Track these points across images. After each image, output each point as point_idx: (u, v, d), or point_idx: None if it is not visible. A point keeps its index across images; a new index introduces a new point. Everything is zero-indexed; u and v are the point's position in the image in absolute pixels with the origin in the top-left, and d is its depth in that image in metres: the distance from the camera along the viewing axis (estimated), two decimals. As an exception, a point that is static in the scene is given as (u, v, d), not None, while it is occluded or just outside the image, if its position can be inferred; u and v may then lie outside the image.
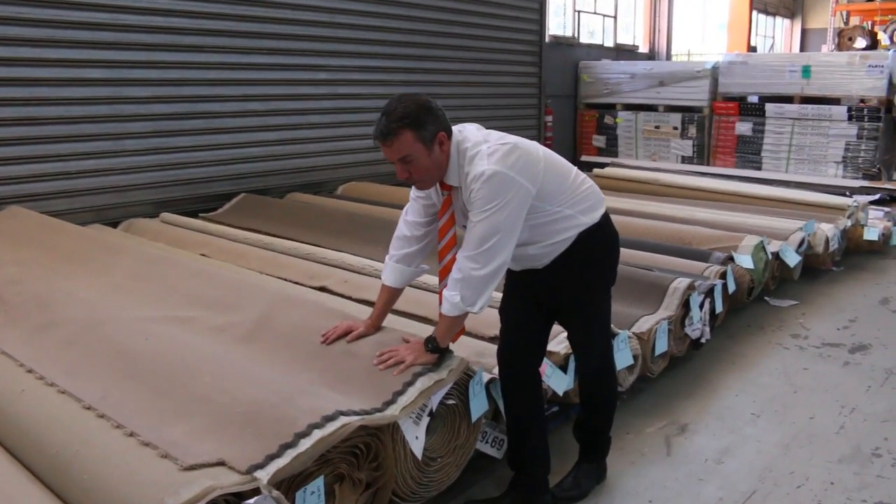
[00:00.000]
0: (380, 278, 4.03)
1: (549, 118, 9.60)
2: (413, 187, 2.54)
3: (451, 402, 2.44)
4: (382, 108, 2.27)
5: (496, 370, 2.75)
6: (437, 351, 2.42)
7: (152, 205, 5.60)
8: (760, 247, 4.86)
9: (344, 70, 6.80)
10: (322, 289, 3.85)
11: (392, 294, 2.66)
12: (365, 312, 3.54)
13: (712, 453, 3.17)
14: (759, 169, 8.99)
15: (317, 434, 1.92)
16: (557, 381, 2.84)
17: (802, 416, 3.54)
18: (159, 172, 5.62)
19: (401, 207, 5.76)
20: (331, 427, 1.96)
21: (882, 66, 8.16)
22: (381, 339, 2.51)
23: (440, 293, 2.48)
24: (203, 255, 4.45)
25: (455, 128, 2.36)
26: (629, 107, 10.06)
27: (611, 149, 10.26)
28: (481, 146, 2.28)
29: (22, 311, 2.93)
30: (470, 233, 2.27)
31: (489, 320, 3.16)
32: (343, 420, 1.99)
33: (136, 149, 5.46)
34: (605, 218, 2.53)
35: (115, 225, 5.21)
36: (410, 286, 2.91)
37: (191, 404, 2.11)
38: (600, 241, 2.52)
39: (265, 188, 6.30)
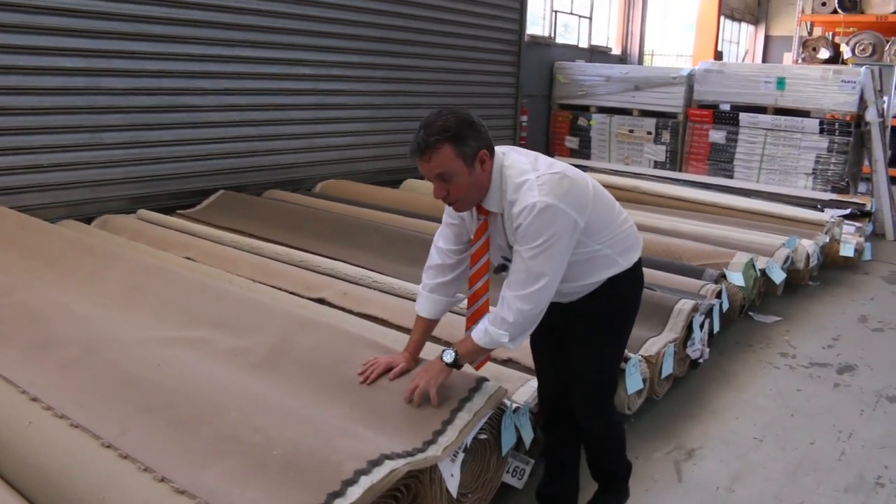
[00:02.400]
0: (379, 290, 4.04)
1: (525, 118, 9.54)
2: (446, 211, 2.43)
3: (483, 436, 2.35)
4: (421, 121, 2.13)
5: (516, 396, 2.69)
6: (454, 366, 2.31)
7: (127, 200, 5.37)
8: (750, 264, 4.88)
9: (326, 65, 6.61)
10: (320, 301, 3.72)
11: (428, 325, 2.52)
12: (367, 328, 3.47)
13: (723, 480, 3.16)
14: (731, 177, 9.06)
15: (365, 482, 1.82)
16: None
17: (803, 441, 3.56)
18: (136, 167, 5.38)
19: (382, 208, 5.82)
20: (378, 473, 1.86)
21: (854, 82, 8.29)
22: (415, 373, 2.39)
23: (469, 319, 2.38)
24: (188, 258, 4.27)
25: (498, 149, 2.21)
26: (603, 109, 10.04)
27: (584, 150, 10.25)
28: (529, 174, 2.13)
29: (13, 326, 2.73)
30: (518, 270, 2.14)
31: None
32: (390, 466, 1.89)
33: (113, 142, 5.21)
34: (639, 261, 2.43)
35: (88, 221, 4.97)
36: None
37: (220, 443, 1.98)
38: (631, 286, 2.42)
39: (243, 185, 6.10)
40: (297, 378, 2.39)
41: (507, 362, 3.15)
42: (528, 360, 2.82)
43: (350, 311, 3.60)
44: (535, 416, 2.76)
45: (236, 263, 4.16)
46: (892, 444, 3.57)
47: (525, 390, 2.82)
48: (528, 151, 2.29)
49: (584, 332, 2.39)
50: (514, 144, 9.35)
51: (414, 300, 3.81)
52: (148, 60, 5.31)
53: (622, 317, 2.44)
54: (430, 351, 2.59)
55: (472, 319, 2.37)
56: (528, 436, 2.68)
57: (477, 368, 2.50)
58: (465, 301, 2.49)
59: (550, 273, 2.11)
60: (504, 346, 2.22)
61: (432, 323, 2.52)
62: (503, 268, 2.32)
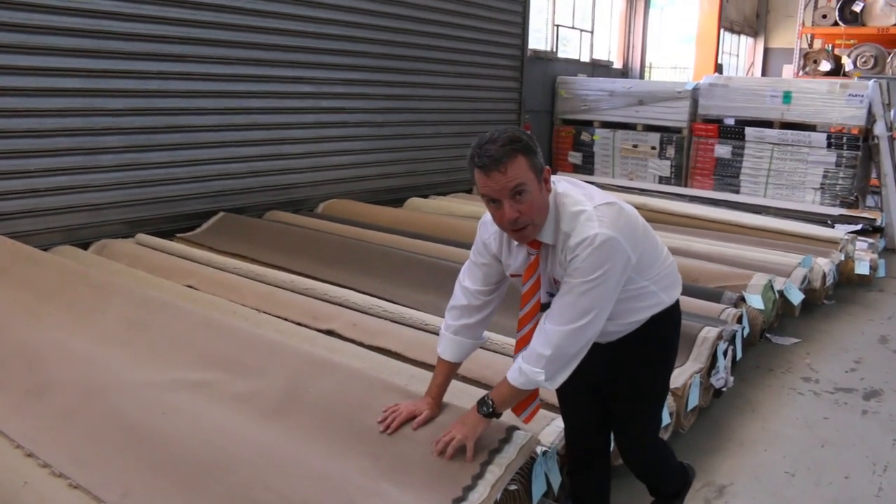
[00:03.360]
0: (390, 320, 3.88)
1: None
2: (474, 249, 2.26)
3: (513, 487, 2.18)
4: (475, 141, 1.94)
5: (542, 436, 2.53)
6: (492, 416, 2.15)
7: (125, 224, 5.20)
8: (769, 286, 4.73)
9: (328, 83, 6.47)
10: (330, 332, 3.56)
11: (451, 368, 2.35)
12: (382, 363, 3.31)
13: (758, 522, 3.00)
14: (738, 192, 8.94)
15: (393, 550, 1.65)
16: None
17: (837, 475, 3.40)
18: (134, 190, 5.22)
19: (386, 230, 5.66)
20: (407, 540, 1.69)
21: (862, 96, 8.18)
22: (440, 420, 2.23)
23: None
24: (189, 286, 4.10)
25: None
26: (607, 124, 9.91)
27: (587, 166, 10.11)
28: (585, 204, 1.97)
29: (6, 368, 2.56)
30: (565, 303, 1.97)
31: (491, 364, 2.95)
32: (419, 531, 1.73)
33: (111, 164, 5.05)
34: (678, 297, 2.29)
35: (85, 246, 4.81)
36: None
37: (232, 505, 1.81)
38: (672, 322, 2.27)
39: (244, 206, 5.94)
40: (311, 427, 2.22)
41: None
42: (549, 395, 2.66)
43: (361, 344, 3.44)
44: (562, 457, 2.61)
45: (240, 292, 3.99)
46: (930, 478, 3.41)
47: (550, 430, 2.66)
48: (576, 181, 2.15)
49: (628, 372, 2.24)
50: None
51: (426, 331, 3.73)
52: (147, 80, 5.16)
53: (665, 354, 2.30)
54: (452, 393, 2.44)
55: None
56: (556, 480, 2.51)
57: (526, 421, 2.33)
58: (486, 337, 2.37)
59: (598, 309, 1.96)
60: (541, 386, 2.05)
61: (455, 366, 2.36)
62: (548, 306, 2.15)
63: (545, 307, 2.15)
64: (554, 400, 2.70)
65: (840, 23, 12.59)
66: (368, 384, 2.45)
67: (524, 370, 2.03)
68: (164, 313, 3.06)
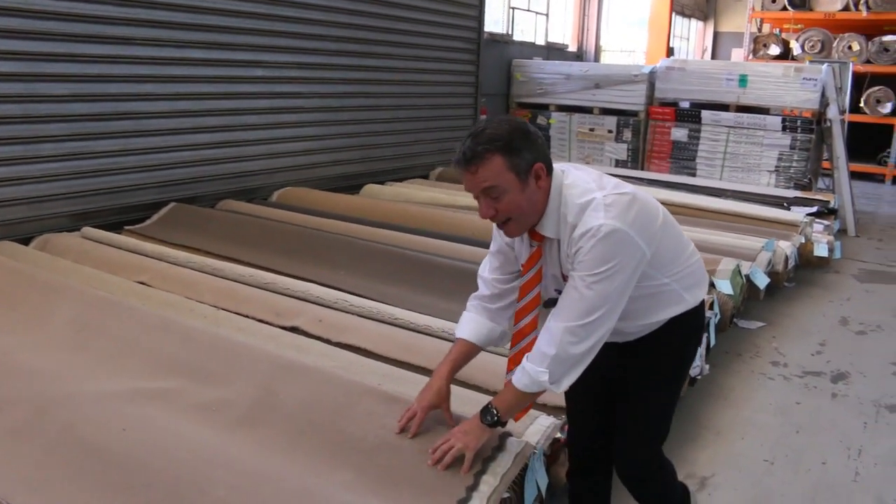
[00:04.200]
0: (357, 315, 3.71)
1: (483, 118, 9.29)
2: (493, 239, 2.14)
3: (506, 495, 2.06)
4: (469, 129, 1.85)
5: (526, 436, 2.40)
6: (496, 425, 2.00)
7: (70, 217, 4.91)
8: (737, 271, 4.70)
9: (282, 67, 6.22)
10: (294, 329, 3.38)
11: (466, 348, 2.15)
12: (353, 361, 3.15)
13: (742, 513, 2.95)
14: (694, 175, 8.97)
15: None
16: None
17: (814, 461, 3.38)
18: (78, 180, 4.92)
19: (345, 218, 5.47)
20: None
21: (816, 80, 8.25)
22: (428, 427, 2.08)
23: (511, 361, 2.08)
24: (142, 283, 3.88)
25: (556, 167, 1.92)
26: (563, 108, 9.84)
27: (543, 150, 10.04)
28: (594, 193, 1.84)
29: (-55, 380, 2.33)
30: (570, 298, 1.84)
31: (488, 366, 2.81)
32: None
33: (52, 154, 4.74)
34: (703, 299, 2.13)
35: (26, 242, 4.51)
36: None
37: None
38: (694, 325, 2.13)
39: (195, 196, 5.68)
40: (286, 438, 2.06)
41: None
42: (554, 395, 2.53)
43: (328, 341, 3.28)
44: (547, 457, 2.49)
45: (197, 288, 3.78)
46: (904, 461, 3.41)
47: (534, 429, 2.52)
48: (591, 169, 2.00)
49: (641, 375, 2.10)
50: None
51: (396, 325, 3.58)
52: (91, 64, 4.85)
53: (682, 359, 2.16)
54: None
55: (515, 361, 2.05)
56: (543, 482, 2.40)
57: (516, 419, 2.22)
58: (506, 330, 2.20)
59: (607, 306, 1.82)
60: (546, 389, 1.91)
61: (472, 347, 2.16)
62: (554, 302, 2.01)
63: (550, 304, 2.01)
64: (554, 400, 2.60)
65: (789, 7, 12.74)
66: (346, 388, 2.29)
67: (528, 370, 1.90)
68: (118, 315, 2.84)
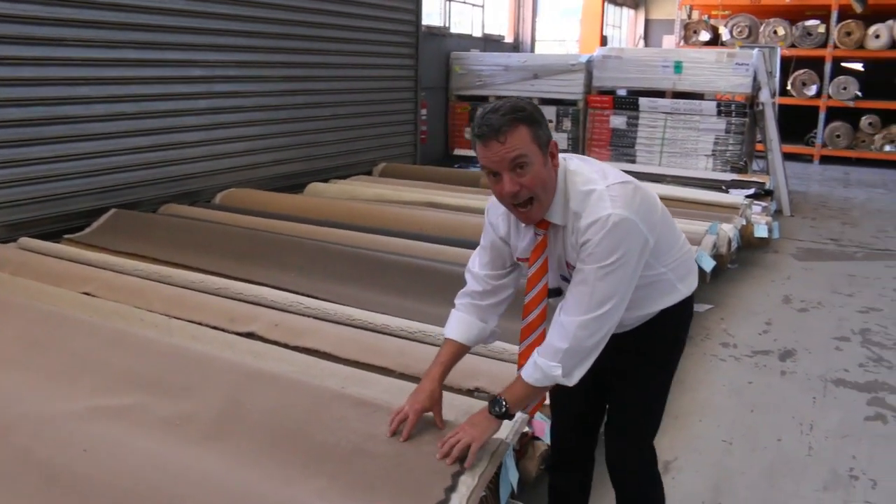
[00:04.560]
0: (314, 317, 3.65)
1: (424, 112, 9.26)
2: (488, 227, 2.09)
3: (482, 493, 2.05)
4: (479, 112, 1.84)
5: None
6: (504, 417, 1.99)
7: (5, 227, 4.71)
8: (685, 255, 4.78)
9: (220, 66, 6.09)
10: (250, 335, 3.31)
11: (456, 349, 2.13)
12: (310, 365, 3.10)
13: (707, 494, 3.01)
14: (634, 162, 9.11)
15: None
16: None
17: (770, 439, 3.47)
18: (11, 189, 4.72)
19: (292, 218, 5.38)
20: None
21: (748, 65, 8.46)
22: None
23: (521, 355, 2.06)
24: (87, 293, 3.75)
25: (561, 155, 1.92)
26: (502, 99, 9.87)
27: (484, 142, 10.06)
28: (597, 183, 1.83)
29: None
30: (580, 292, 1.83)
31: (466, 368, 2.79)
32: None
33: (-18, 162, 4.57)
34: (694, 288, 2.15)
35: (-41, 255, 4.32)
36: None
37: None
38: (686, 315, 2.14)
39: (137, 201, 5.52)
40: (256, 449, 2.01)
41: (474, 392, 2.86)
42: (496, 387, 2.52)
43: (286, 346, 3.22)
44: (517, 452, 2.49)
45: (146, 297, 3.67)
46: (852, 433, 3.54)
47: (504, 425, 2.53)
48: (592, 160, 2.00)
49: (634, 367, 2.09)
50: (416, 140, 9.13)
51: (354, 326, 3.53)
52: (20, 67, 4.66)
53: (675, 349, 2.17)
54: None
55: (525, 355, 2.03)
56: (515, 478, 2.40)
57: (532, 413, 2.24)
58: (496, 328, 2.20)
59: (618, 296, 1.82)
60: (558, 382, 1.90)
61: (461, 347, 2.14)
62: (559, 291, 2.01)
63: (554, 293, 2.01)
64: (497, 389, 2.58)
65: (717, -7, 13.03)
66: (313, 395, 2.24)
67: (540, 365, 1.89)
68: (67, 329, 2.73)
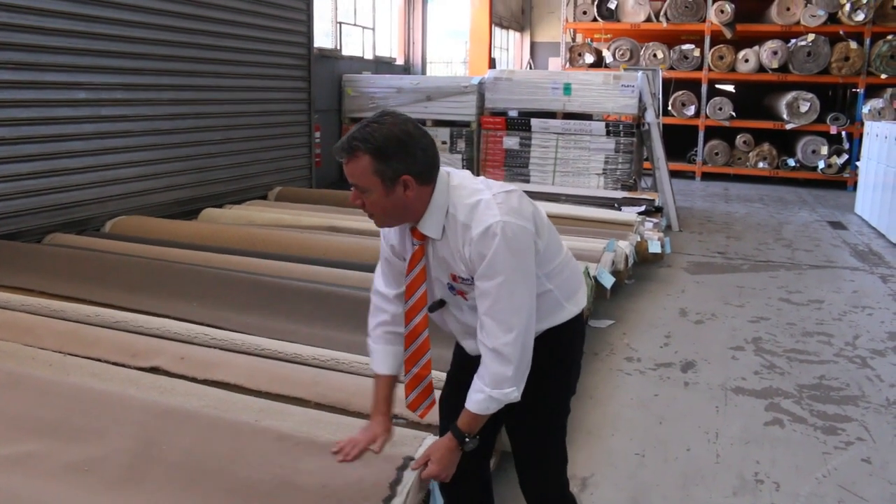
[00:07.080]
0: (220, 349, 3.50)
1: (318, 135, 9.15)
2: (382, 242, 2.09)
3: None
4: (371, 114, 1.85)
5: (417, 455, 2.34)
6: (463, 445, 1.96)
7: None
8: (586, 273, 4.89)
9: (106, 88, 5.80)
10: (155, 370, 3.14)
11: (390, 381, 2.12)
12: (221, 398, 2.96)
13: (625, 508, 3.05)
14: (528, 181, 9.29)
15: None
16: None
17: (680, 449, 3.56)
18: None
19: (188, 246, 5.17)
20: None
21: (633, 87, 8.82)
22: (328, 464, 1.97)
23: (408, 361, 2.05)
24: (-33, 333, 3.46)
25: (444, 170, 1.92)
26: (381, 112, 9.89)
27: (380, 164, 10.04)
28: (482, 193, 1.87)
29: None
30: (496, 311, 1.82)
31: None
32: None
33: None
34: (583, 307, 2.14)
35: None
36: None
37: None
38: (575, 336, 2.14)
39: (17, 231, 5.17)
40: (176, 489, 1.88)
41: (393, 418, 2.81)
42: (413, 415, 2.48)
43: (193, 380, 3.07)
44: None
45: (35, 333, 3.42)
46: (754, 438, 3.69)
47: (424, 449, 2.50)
48: (475, 177, 2.00)
49: (529, 394, 1.96)
50: (311, 163, 9.00)
51: (264, 356, 3.41)
52: None
53: (565, 371, 2.15)
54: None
55: (412, 361, 2.04)
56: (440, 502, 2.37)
57: (422, 416, 2.19)
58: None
59: (529, 299, 1.86)
60: (514, 400, 1.90)
61: (393, 379, 2.13)
62: (441, 304, 2.00)
63: (435, 306, 2.02)
64: (415, 416, 2.54)
65: (598, 18, 13.54)
66: (232, 431, 2.14)
67: (495, 397, 1.86)
68: (-48, 374, 2.51)
